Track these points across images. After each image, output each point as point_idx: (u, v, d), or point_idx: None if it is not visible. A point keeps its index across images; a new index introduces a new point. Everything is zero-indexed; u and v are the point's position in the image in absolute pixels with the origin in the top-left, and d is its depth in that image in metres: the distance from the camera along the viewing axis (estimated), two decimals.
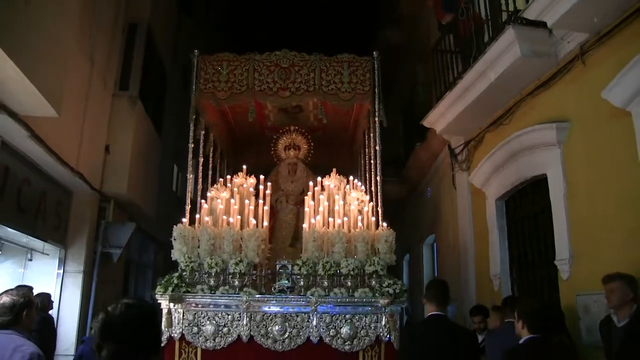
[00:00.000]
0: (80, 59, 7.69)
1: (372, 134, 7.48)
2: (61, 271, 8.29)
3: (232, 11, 15.29)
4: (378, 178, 7.23)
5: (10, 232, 7.17)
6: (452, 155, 8.51)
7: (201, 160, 7.43)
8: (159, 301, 6.00)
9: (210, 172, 8.08)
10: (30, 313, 3.57)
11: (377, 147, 7.26)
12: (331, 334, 6.04)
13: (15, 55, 5.11)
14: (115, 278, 9.65)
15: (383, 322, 6.08)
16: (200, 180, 7.40)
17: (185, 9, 12.83)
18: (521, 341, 3.69)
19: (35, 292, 6.95)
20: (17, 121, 6.06)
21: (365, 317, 6.12)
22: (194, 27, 13.26)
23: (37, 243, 7.85)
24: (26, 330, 3.54)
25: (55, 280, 8.23)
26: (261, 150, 9.27)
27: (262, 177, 7.40)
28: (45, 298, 7.12)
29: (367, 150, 7.89)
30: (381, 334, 6.07)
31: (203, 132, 7.53)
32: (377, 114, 7.23)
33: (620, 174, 4.93)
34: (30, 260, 8.11)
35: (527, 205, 6.82)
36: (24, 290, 5.33)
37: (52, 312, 7.63)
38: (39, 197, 7.54)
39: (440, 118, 7.88)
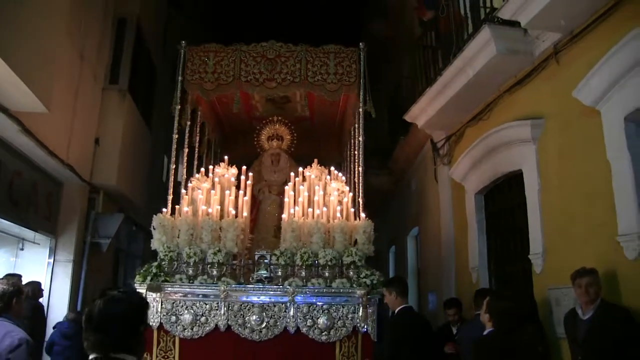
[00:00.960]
0: (71, 55, 7.85)
1: (356, 125, 7.47)
2: (52, 260, 8.50)
3: (222, 5, 15.34)
4: (360, 169, 7.22)
5: (3, 223, 7.34)
6: (434, 150, 8.64)
7: (186, 150, 7.44)
8: (137, 290, 6.00)
9: (196, 162, 8.09)
10: (20, 300, 3.76)
11: (361, 138, 7.24)
12: (308, 324, 6.02)
13: (5, 54, 5.29)
14: (105, 267, 9.83)
15: (360, 313, 6.05)
16: (185, 170, 7.41)
17: (175, 4, 12.93)
18: (485, 332, 3.89)
19: (26, 280, 7.18)
20: (8, 116, 6.24)
21: (343, 307, 6.08)
22: (184, 21, 13.34)
23: (28, 233, 8.06)
24: (16, 317, 3.72)
25: (46, 269, 8.45)
26: (250, 140, 9.26)
27: (244, 167, 7.38)
28: (36, 286, 7.32)
29: (353, 141, 7.90)
30: (358, 325, 6.04)
31: (189, 123, 7.54)
32: (361, 104, 7.20)
33: (589, 171, 5.08)
34: (22, 249, 8.31)
35: (505, 199, 6.96)
36: (14, 279, 5.55)
37: (43, 300, 7.82)
38: (31, 189, 7.75)
39: (421, 113, 7.98)
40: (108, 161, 9.10)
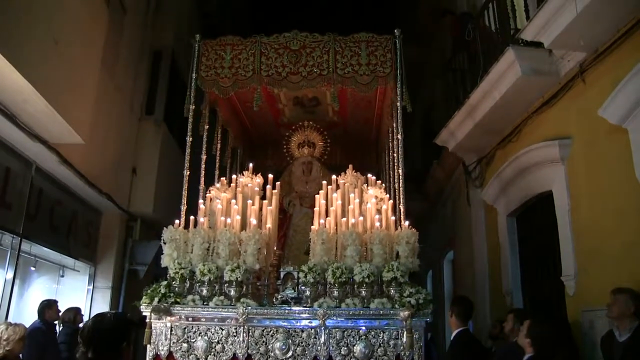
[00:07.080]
0: (108, 88, 8.17)
1: (394, 123, 6.57)
2: (91, 287, 8.79)
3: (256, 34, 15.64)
4: (400, 171, 6.24)
5: (44, 250, 7.65)
6: (466, 172, 8.59)
7: (204, 157, 6.85)
8: (144, 313, 5.32)
9: (217, 172, 7.39)
10: None
11: (399, 136, 6.27)
12: (342, 352, 5.09)
13: (46, 91, 5.60)
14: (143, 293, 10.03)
15: (404, 339, 5.04)
16: (202, 179, 6.76)
17: (211, 34, 13.24)
18: (525, 358, 3.83)
19: (67, 306, 7.42)
20: (48, 148, 6.57)
21: (383, 332, 5.15)
22: None
23: (68, 260, 8.36)
24: None
25: (86, 295, 8.72)
26: (279, 151, 8.52)
27: (270, 176, 6.71)
28: (76, 312, 7.56)
29: (391, 144, 7.02)
30: (402, 353, 5.06)
31: (207, 127, 6.88)
32: (399, 99, 6.27)
33: (618, 190, 5.01)
34: (62, 276, 8.60)
35: (536, 221, 6.88)
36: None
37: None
38: (71, 217, 8.05)
39: (451, 137, 8.02)
40: (145, 190, 9.38)
